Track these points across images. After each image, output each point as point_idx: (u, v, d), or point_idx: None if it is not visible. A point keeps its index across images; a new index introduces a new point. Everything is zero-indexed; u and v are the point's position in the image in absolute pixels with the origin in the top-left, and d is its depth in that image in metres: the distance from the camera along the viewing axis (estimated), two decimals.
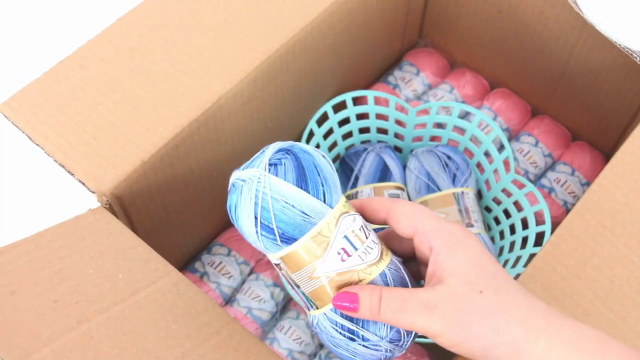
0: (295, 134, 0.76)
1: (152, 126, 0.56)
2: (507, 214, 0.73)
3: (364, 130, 0.79)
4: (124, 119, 0.56)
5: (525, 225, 0.70)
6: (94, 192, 0.53)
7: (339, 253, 0.41)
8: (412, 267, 0.47)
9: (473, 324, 0.39)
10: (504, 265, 0.69)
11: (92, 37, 0.60)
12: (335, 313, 0.43)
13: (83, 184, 0.53)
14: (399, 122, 0.78)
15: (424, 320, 0.40)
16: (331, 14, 0.65)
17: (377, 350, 0.43)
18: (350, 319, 0.42)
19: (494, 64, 0.84)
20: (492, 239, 0.74)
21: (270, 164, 0.41)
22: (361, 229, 0.43)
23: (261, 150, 0.43)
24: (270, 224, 0.41)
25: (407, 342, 0.44)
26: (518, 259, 0.67)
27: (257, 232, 0.41)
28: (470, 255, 0.41)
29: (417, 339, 0.63)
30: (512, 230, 0.72)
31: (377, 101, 0.79)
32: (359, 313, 0.41)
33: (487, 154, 0.77)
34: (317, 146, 0.76)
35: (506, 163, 0.73)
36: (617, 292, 0.49)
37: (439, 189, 0.73)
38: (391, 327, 0.43)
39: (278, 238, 0.41)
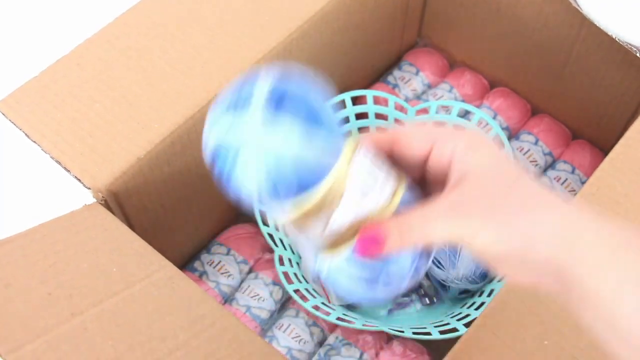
0: None
1: (148, 123, 0.56)
2: None
3: (363, 130, 0.79)
4: (121, 116, 0.56)
5: None
6: (89, 189, 0.53)
7: (353, 201, 0.37)
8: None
9: (510, 218, 0.35)
10: None
11: (90, 36, 0.61)
12: (351, 262, 0.38)
13: (79, 180, 0.53)
14: (398, 122, 0.78)
15: (455, 225, 0.35)
16: (328, 12, 0.65)
17: (396, 290, 0.40)
18: (369, 264, 0.38)
19: (494, 63, 0.84)
20: None
21: (265, 120, 0.34)
22: (371, 167, 0.38)
23: (239, 88, 0.36)
24: (277, 191, 0.35)
25: (423, 270, 0.40)
26: None
27: (262, 199, 0.36)
28: (494, 154, 0.37)
29: (417, 336, 0.62)
30: None
31: (377, 101, 0.79)
32: (388, 246, 0.36)
33: None
34: None
35: None
36: None
37: None
38: (410, 266, 0.38)
39: (287, 203, 0.36)
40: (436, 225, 0.35)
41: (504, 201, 0.35)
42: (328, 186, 0.36)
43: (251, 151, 0.34)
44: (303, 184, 0.36)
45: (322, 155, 0.36)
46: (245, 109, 0.34)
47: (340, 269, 0.39)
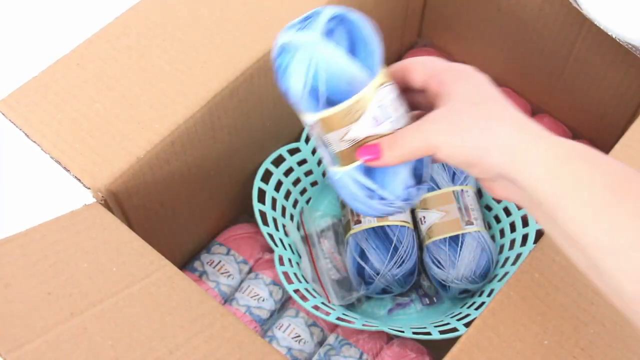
0: (294, 133, 0.75)
1: (148, 123, 0.56)
2: (507, 212, 0.73)
3: None
4: (121, 116, 0.56)
5: (525, 222, 0.69)
6: (89, 188, 0.53)
7: (372, 119, 0.45)
8: None
9: (468, 129, 0.41)
10: (504, 263, 0.69)
11: (90, 36, 0.61)
12: (357, 170, 0.46)
13: (79, 180, 0.53)
14: None
15: (426, 139, 0.43)
16: None
17: (390, 206, 0.47)
18: (368, 175, 0.46)
19: (494, 63, 0.84)
20: (493, 237, 0.73)
21: (327, 31, 0.43)
22: (396, 99, 0.46)
23: (310, 14, 0.45)
24: (319, 87, 0.43)
25: (412, 201, 0.48)
26: (518, 256, 0.67)
27: (304, 93, 0.44)
28: (474, 82, 0.43)
29: (418, 336, 0.62)
30: (513, 228, 0.71)
31: None
32: (383, 155, 0.44)
33: None
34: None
35: None
36: None
37: (439, 187, 0.72)
38: (405, 187, 0.46)
39: (321, 101, 0.44)
40: (413, 139, 0.43)
41: (466, 115, 0.42)
42: (356, 99, 0.44)
43: (307, 52, 0.43)
44: (336, 91, 0.44)
45: (359, 75, 0.44)
46: (312, 23, 0.44)
47: (349, 176, 0.47)
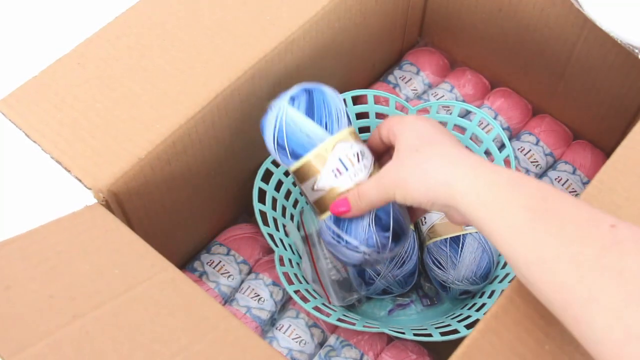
0: None
1: (149, 124, 0.56)
2: None
3: (363, 130, 0.79)
4: (121, 116, 0.56)
5: None
6: (90, 189, 0.52)
7: (333, 171, 0.53)
8: None
9: (412, 173, 0.47)
10: (505, 264, 0.69)
11: (91, 35, 0.60)
12: (330, 220, 0.54)
13: (79, 180, 0.53)
14: None
15: (380, 192, 0.50)
16: (329, 12, 0.65)
17: (357, 252, 0.53)
18: (337, 224, 0.54)
19: (495, 63, 0.84)
20: None
21: (291, 97, 0.55)
22: (355, 155, 0.54)
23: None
24: (284, 142, 0.54)
25: (382, 248, 0.53)
26: None
27: (274, 147, 0.55)
28: (415, 130, 0.50)
29: (418, 338, 0.62)
30: None
31: (377, 100, 0.79)
32: (352, 211, 0.52)
33: (487, 153, 0.77)
34: None
35: (507, 162, 0.73)
36: None
37: None
38: (367, 233, 0.53)
39: (288, 154, 0.54)
40: (373, 190, 0.50)
41: (409, 162, 0.48)
42: (316, 152, 0.53)
43: (274, 113, 0.55)
44: (298, 145, 0.54)
45: (316, 131, 0.53)
46: (286, 93, 0.56)
47: (325, 224, 0.55)
